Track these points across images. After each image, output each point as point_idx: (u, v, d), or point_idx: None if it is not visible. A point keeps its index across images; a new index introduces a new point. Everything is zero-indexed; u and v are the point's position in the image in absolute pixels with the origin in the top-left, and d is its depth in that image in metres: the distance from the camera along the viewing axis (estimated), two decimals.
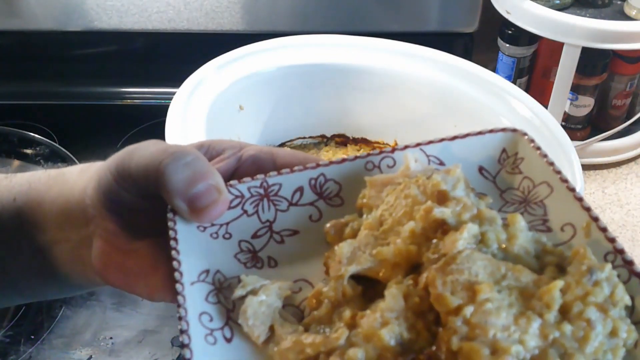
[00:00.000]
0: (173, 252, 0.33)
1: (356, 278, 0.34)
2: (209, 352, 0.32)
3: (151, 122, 0.99)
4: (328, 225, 0.37)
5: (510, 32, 0.94)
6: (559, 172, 0.37)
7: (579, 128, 0.96)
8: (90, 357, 0.68)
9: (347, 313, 0.32)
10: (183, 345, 0.30)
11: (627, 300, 0.31)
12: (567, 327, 0.29)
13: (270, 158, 0.39)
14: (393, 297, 0.31)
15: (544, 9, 0.86)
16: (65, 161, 0.92)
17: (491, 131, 0.39)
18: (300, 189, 0.38)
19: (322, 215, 0.38)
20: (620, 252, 0.33)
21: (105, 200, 0.37)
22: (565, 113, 0.94)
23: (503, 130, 0.39)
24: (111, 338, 0.70)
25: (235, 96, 0.77)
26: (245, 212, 0.37)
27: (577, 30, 0.84)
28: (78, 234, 0.39)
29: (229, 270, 0.36)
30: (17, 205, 0.40)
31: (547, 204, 0.37)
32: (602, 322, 0.30)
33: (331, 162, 0.38)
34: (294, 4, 1.00)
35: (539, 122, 0.72)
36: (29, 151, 0.94)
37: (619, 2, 0.89)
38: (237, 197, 0.37)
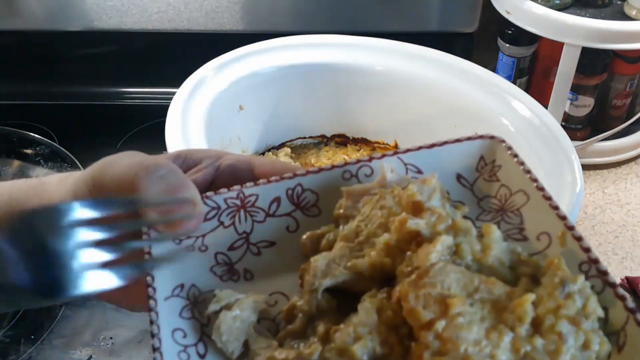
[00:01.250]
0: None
1: (331, 291, 0.34)
2: None
3: (151, 122, 0.99)
4: (304, 237, 0.37)
5: (510, 32, 0.94)
6: (535, 180, 0.37)
7: (579, 128, 0.96)
8: (90, 357, 0.68)
9: (321, 327, 0.32)
10: None
11: (600, 312, 0.30)
12: (539, 341, 0.29)
13: (248, 167, 0.39)
14: (366, 311, 0.31)
15: (544, 9, 0.86)
16: (65, 161, 0.92)
17: (469, 138, 0.39)
18: (277, 200, 0.37)
19: (299, 225, 0.38)
20: (595, 261, 0.32)
21: None
22: (565, 113, 0.94)
23: (481, 137, 0.39)
24: (111, 338, 0.69)
25: (235, 96, 0.77)
26: (222, 223, 0.37)
27: (577, 30, 0.84)
28: None
29: (204, 283, 0.36)
30: None
31: (523, 213, 0.37)
32: (574, 335, 0.29)
33: (308, 172, 0.37)
34: (294, 4, 1.00)
35: (539, 122, 0.72)
36: (29, 151, 0.94)
37: (619, 2, 0.89)
38: (213, 208, 0.36)
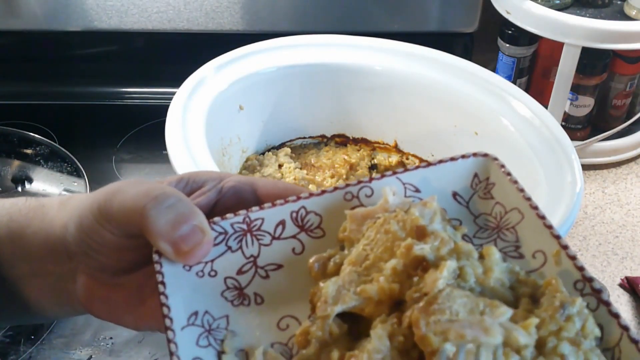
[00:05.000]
0: (162, 297, 0.33)
1: (341, 314, 0.35)
2: None
3: (151, 122, 0.99)
4: (311, 260, 0.37)
5: (510, 32, 0.94)
6: (529, 199, 0.38)
7: (579, 128, 0.96)
8: (90, 357, 0.68)
9: (335, 354, 0.33)
10: None
11: (597, 332, 0.32)
12: None
13: (251, 188, 0.39)
14: (379, 337, 0.32)
15: (544, 9, 0.86)
16: (65, 161, 0.92)
17: (463, 157, 0.40)
18: (282, 223, 0.38)
19: (304, 247, 0.38)
20: (589, 280, 0.34)
21: (89, 240, 0.37)
22: (565, 113, 0.94)
23: (474, 155, 0.40)
24: (111, 338, 0.69)
25: (235, 96, 0.77)
26: (230, 248, 0.37)
27: (577, 30, 0.84)
28: (61, 268, 0.39)
29: (216, 309, 0.36)
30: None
31: (518, 231, 0.38)
32: (575, 355, 0.31)
33: (311, 195, 0.38)
34: (294, 4, 1.00)
35: (539, 122, 0.72)
36: (29, 151, 0.94)
37: (619, 2, 0.89)
38: (220, 233, 0.37)
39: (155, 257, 0.35)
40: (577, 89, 0.92)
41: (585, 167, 0.95)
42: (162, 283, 0.34)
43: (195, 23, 1.02)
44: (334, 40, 0.83)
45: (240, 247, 0.38)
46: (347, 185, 0.39)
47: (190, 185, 0.40)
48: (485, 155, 0.40)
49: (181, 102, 0.71)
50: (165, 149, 0.66)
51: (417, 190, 0.39)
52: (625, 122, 0.95)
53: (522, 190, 0.38)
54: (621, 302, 0.76)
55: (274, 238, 0.38)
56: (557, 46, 0.88)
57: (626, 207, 0.90)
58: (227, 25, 1.02)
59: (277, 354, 0.35)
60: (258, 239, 0.38)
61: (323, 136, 0.87)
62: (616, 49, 0.89)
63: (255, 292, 0.38)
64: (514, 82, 0.96)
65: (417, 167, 0.39)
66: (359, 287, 0.34)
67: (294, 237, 0.38)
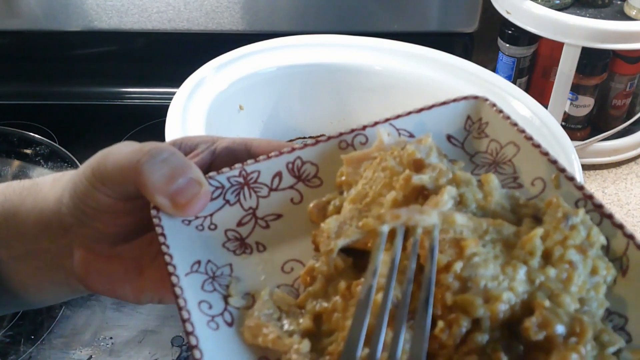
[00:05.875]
0: (163, 247, 0.34)
1: (345, 251, 0.35)
2: (213, 338, 0.32)
3: (151, 122, 0.99)
4: (311, 205, 0.38)
5: (510, 32, 0.94)
6: (523, 131, 0.38)
7: (579, 128, 0.96)
8: (90, 357, 0.68)
9: (342, 284, 0.33)
10: (187, 333, 0.31)
11: (603, 240, 0.32)
12: (551, 271, 0.31)
13: (244, 148, 0.40)
14: (384, 263, 0.32)
15: (544, 9, 0.86)
16: (65, 161, 0.92)
17: (455, 100, 0.40)
18: (278, 174, 0.39)
19: (303, 197, 0.39)
20: (590, 197, 0.34)
21: (84, 207, 0.36)
22: (565, 113, 0.94)
23: (465, 98, 0.41)
24: (111, 338, 0.70)
25: (235, 96, 0.77)
26: (228, 201, 0.38)
27: (577, 30, 0.84)
28: (56, 244, 0.38)
29: (219, 259, 0.37)
30: None
31: (515, 162, 0.39)
32: (583, 262, 0.31)
33: (306, 145, 0.39)
34: (294, 4, 1.00)
35: (539, 122, 0.72)
36: (29, 151, 0.94)
37: (619, 2, 0.89)
38: (217, 188, 0.37)
39: (154, 212, 0.35)
40: (577, 89, 0.92)
41: (585, 167, 0.95)
42: (163, 235, 0.34)
43: (195, 23, 1.02)
44: (334, 40, 0.83)
45: (239, 200, 0.38)
46: (341, 134, 0.39)
47: (184, 148, 0.39)
48: (476, 97, 0.41)
49: (181, 102, 0.71)
50: None
51: (412, 135, 0.40)
52: (625, 122, 0.95)
53: (515, 125, 0.39)
54: None
55: (271, 189, 0.39)
56: (557, 46, 0.88)
57: (626, 207, 0.90)
58: (227, 25, 1.02)
59: (284, 294, 0.36)
60: (255, 192, 0.38)
61: (323, 136, 0.87)
62: (616, 49, 0.89)
63: (257, 241, 0.38)
64: (514, 82, 0.96)
65: (410, 113, 0.40)
66: (360, 221, 0.35)
67: (291, 187, 0.39)
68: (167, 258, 0.33)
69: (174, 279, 0.32)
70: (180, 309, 0.31)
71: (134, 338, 0.69)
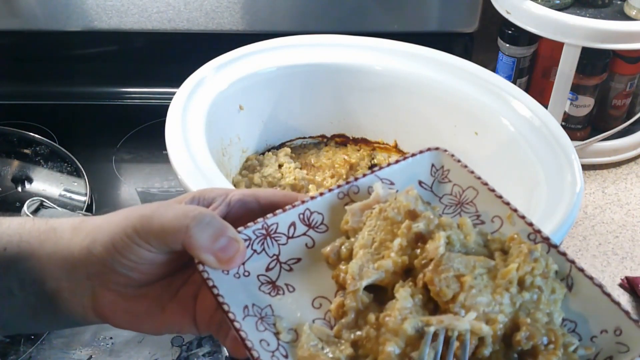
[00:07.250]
0: (219, 298, 0.39)
1: (365, 288, 0.42)
2: None
3: (151, 122, 0.99)
4: (327, 250, 0.45)
5: (510, 32, 0.94)
6: (479, 178, 0.47)
7: (579, 128, 0.96)
8: (90, 357, 0.68)
9: (371, 317, 0.40)
10: None
11: (555, 267, 0.42)
12: (526, 294, 0.40)
13: (254, 199, 0.45)
14: (404, 298, 0.40)
15: (544, 9, 0.86)
16: (65, 161, 0.92)
17: (420, 152, 0.49)
18: (293, 224, 0.45)
19: (314, 241, 0.46)
20: (538, 232, 0.43)
21: (124, 260, 0.41)
22: (565, 113, 0.94)
23: (428, 149, 0.49)
24: (111, 338, 0.70)
25: (235, 96, 0.77)
26: (255, 251, 0.44)
27: (577, 30, 0.84)
28: (81, 286, 0.42)
29: (260, 301, 0.43)
30: (9, 255, 0.42)
31: (476, 204, 0.47)
32: (545, 285, 0.41)
33: (312, 198, 0.46)
34: (294, 4, 1.00)
35: (539, 122, 0.72)
36: (29, 151, 0.94)
37: (619, 2, 0.89)
38: (246, 240, 0.43)
39: (200, 266, 0.41)
40: (577, 89, 0.92)
41: (585, 167, 0.95)
42: (215, 287, 0.40)
43: (195, 23, 1.02)
44: (334, 40, 0.83)
45: (264, 249, 0.45)
46: (339, 186, 0.47)
47: (202, 203, 0.45)
48: (437, 148, 0.49)
49: (181, 102, 0.71)
50: (165, 149, 0.66)
51: (392, 183, 0.48)
52: (625, 122, 0.95)
53: (472, 172, 0.47)
54: (621, 302, 0.76)
55: (288, 237, 0.45)
56: (557, 46, 0.88)
57: (626, 207, 0.90)
58: (227, 25, 1.02)
59: (321, 326, 0.42)
60: (276, 240, 0.45)
61: (323, 136, 0.87)
62: (616, 49, 0.89)
63: (286, 283, 0.44)
64: (514, 82, 0.96)
65: (389, 165, 0.48)
66: (375, 263, 0.42)
67: (304, 234, 0.46)
68: (225, 307, 0.39)
69: (236, 324, 0.38)
70: (249, 349, 0.38)
71: (133, 338, 0.69)
